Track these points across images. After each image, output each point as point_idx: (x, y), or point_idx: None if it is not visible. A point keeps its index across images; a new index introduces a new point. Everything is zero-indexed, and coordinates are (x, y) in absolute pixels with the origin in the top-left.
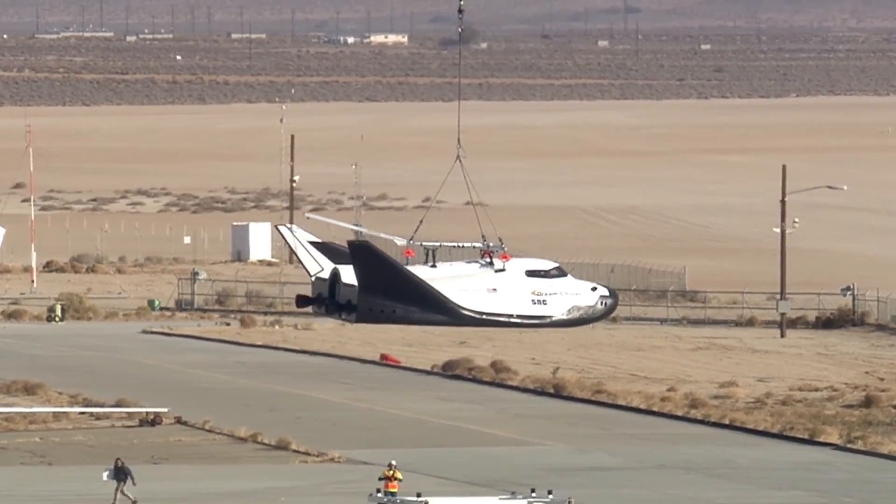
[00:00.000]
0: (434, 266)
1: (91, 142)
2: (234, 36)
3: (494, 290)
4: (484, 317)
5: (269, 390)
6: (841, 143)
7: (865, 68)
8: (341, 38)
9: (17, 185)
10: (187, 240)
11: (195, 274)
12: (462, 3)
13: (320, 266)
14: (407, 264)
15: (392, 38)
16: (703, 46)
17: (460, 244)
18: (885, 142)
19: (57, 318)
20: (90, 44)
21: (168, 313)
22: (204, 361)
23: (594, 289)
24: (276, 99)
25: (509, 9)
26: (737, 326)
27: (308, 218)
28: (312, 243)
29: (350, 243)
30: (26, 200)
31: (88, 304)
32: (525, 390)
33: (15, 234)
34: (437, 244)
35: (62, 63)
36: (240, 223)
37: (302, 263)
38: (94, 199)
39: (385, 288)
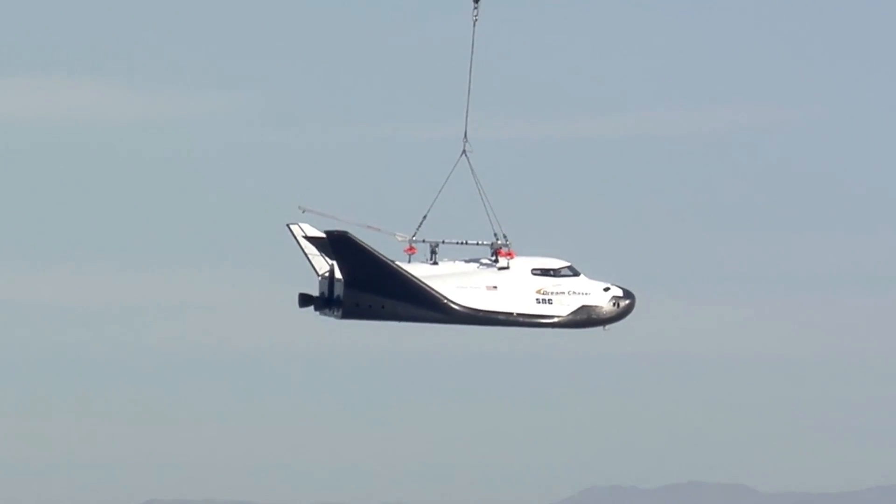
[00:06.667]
0: (435, 263)
1: None
2: None
3: (494, 287)
4: (480, 314)
5: None
6: None
7: None
8: None
9: None
10: None
11: None
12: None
13: (329, 263)
14: (409, 261)
15: None
16: None
17: (466, 241)
18: None
19: None
20: None
21: None
22: None
23: (607, 289)
24: None
25: None
26: None
27: (304, 212)
28: (309, 238)
29: (329, 234)
30: None
31: None
32: None
33: None
34: (441, 240)
35: None
36: None
37: (310, 262)
38: None
39: (371, 283)
